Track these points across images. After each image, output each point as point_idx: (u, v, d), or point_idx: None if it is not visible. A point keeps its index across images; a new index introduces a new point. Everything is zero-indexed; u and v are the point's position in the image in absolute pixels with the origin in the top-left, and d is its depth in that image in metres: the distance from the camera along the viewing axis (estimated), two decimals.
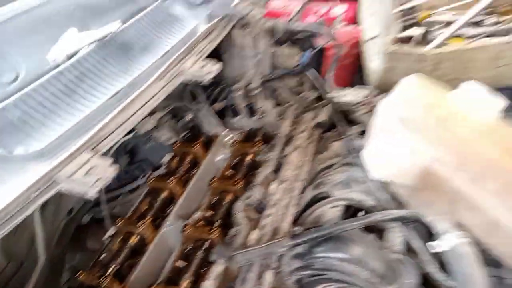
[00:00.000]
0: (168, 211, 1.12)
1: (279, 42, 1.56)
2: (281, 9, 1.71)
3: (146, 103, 0.78)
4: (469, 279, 0.72)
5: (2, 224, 0.56)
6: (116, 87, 0.77)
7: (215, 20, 0.98)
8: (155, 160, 1.61)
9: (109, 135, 0.70)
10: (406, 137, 0.79)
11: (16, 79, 0.72)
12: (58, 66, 0.75)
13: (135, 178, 1.63)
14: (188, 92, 1.46)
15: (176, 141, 1.36)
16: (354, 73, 1.46)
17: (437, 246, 0.78)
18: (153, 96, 0.80)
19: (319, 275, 0.84)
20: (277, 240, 0.84)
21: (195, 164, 1.29)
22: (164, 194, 1.17)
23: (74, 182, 0.61)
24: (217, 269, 0.82)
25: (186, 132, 1.47)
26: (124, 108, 0.73)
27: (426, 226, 0.86)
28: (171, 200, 1.17)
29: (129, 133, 1.30)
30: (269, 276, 0.86)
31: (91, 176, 0.62)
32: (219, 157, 1.33)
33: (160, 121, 1.45)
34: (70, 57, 0.77)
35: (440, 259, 0.82)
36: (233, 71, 1.60)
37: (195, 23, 0.98)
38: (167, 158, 1.35)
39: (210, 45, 0.99)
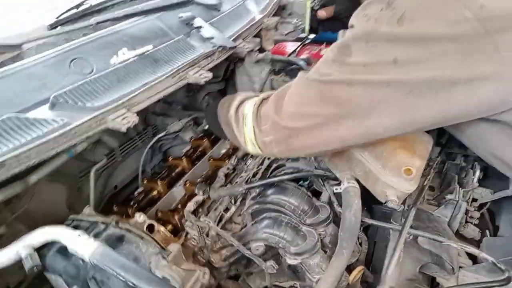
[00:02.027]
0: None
1: (277, 72, 2.07)
2: (284, 50, 2.21)
3: (162, 90, 1.30)
4: (348, 205, 1.09)
5: (76, 137, 1.07)
6: (146, 80, 1.29)
7: (215, 47, 1.51)
8: None
9: (139, 103, 1.22)
10: None
11: (91, 72, 1.27)
12: (115, 66, 1.29)
13: None
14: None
15: (192, 137, 1.88)
16: None
17: (338, 188, 1.17)
18: (167, 87, 1.31)
19: (263, 208, 1.26)
20: (238, 184, 1.28)
21: (204, 153, 1.79)
22: (178, 169, 1.67)
23: (114, 122, 1.12)
24: (197, 198, 1.27)
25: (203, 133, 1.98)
26: (147, 89, 1.24)
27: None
28: (183, 173, 1.66)
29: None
30: (233, 208, 1.29)
31: (125, 120, 1.13)
32: (223, 150, 1.81)
33: (185, 125, 1.99)
34: (121, 63, 1.31)
35: None
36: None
37: (202, 50, 1.50)
38: (186, 148, 1.86)
39: (210, 63, 1.51)
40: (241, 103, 1.15)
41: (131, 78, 1.27)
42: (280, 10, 2.49)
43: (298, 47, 2.14)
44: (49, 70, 1.21)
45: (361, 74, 0.79)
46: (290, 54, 2.09)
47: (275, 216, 1.20)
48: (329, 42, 2.15)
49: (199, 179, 1.57)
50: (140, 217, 1.18)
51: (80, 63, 1.26)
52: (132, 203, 1.52)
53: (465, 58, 0.71)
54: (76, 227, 1.18)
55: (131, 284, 0.83)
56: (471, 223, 1.19)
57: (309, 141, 0.99)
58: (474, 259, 1.06)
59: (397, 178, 1.04)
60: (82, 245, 0.92)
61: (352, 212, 1.06)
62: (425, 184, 1.10)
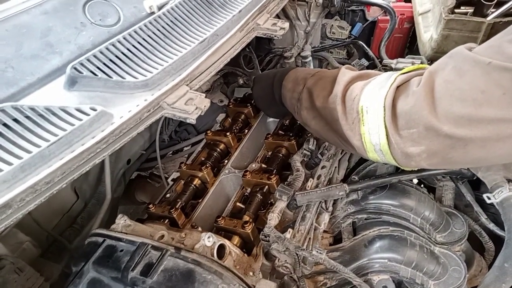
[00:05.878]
0: (223, 163, 1.21)
1: (329, 15, 1.62)
2: None
3: (227, 51, 0.86)
4: None
5: (119, 137, 0.66)
6: (201, 35, 0.84)
7: None
8: (198, 125, 1.71)
9: (200, 75, 0.79)
10: None
11: (118, 22, 0.81)
12: (152, 13, 0.84)
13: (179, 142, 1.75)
14: (241, 58, 1.54)
15: (229, 102, 1.44)
16: (403, 47, 1.51)
17: (490, 198, 0.84)
18: (233, 46, 0.88)
19: (373, 218, 0.92)
20: (338, 184, 0.91)
21: (246, 124, 1.37)
22: (220, 147, 1.26)
23: (176, 110, 0.70)
24: (281, 205, 0.91)
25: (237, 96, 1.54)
26: (211, 54, 0.81)
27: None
28: (226, 153, 1.26)
29: None
30: (326, 217, 0.94)
31: (190, 106, 0.71)
32: (270, 119, 1.41)
33: (214, 85, 1.55)
34: (160, 8, 0.85)
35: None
36: (283, 42, 1.67)
37: None
38: (220, 117, 1.44)
39: (277, 7, 1.06)
40: (350, 83, 0.80)
41: (182, 32, 0.82)
42: None
43: None
44: (53, 20, 0.74)
45: None
46: None
47: (396, 234, 0.86)
48: None
49: (254, 164, 1.18)
50: (208, 239, 0.83)
51: (98, 8, 0.80)
52: (169, 198, 1.13)
53: None
54: (110, 252, 0.82)
55: None
56: None
57: (480, 154, 0.65)
58: None
59: None
60: None
61: None
62: None
